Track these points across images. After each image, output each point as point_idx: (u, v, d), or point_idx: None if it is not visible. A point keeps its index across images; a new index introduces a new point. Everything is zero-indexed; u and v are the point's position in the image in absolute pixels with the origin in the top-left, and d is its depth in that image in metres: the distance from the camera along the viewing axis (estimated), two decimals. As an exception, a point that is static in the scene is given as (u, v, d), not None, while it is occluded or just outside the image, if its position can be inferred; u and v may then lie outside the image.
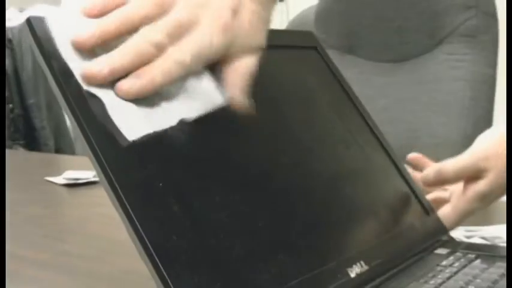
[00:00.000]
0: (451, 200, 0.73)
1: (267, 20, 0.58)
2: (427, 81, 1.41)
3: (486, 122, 1.37)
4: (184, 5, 0.50)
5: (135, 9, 0.49)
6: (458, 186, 0.74)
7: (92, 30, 0.46)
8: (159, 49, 0.48)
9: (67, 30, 0.46)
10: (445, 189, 0.76)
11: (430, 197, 0.73)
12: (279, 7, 4.42)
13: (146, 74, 0.47)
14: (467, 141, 1.36)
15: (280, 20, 4.23)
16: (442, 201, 0.74)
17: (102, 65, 0.46)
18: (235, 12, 0.53)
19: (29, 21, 0.46)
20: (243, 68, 0.55)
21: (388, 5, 1.45)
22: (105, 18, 0.48)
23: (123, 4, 0.49)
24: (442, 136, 1.36)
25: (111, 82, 0.46)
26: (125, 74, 0.47)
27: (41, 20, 0.47)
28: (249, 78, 0.55)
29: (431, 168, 0.74)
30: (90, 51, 0.46)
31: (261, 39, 0.57)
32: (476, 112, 1.35)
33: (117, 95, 0.46)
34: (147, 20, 0.49)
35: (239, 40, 0.54)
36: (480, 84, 1.36)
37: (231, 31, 0.53)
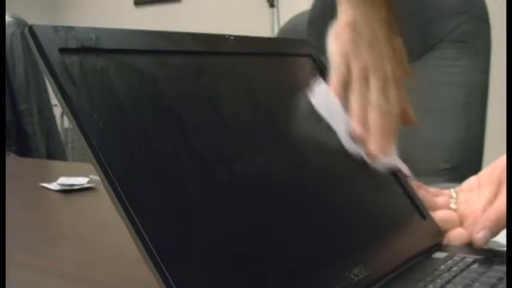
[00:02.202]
0: (467, 225, 0.72)
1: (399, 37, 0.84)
2: (419, 87, 1.41)
3: (479, 126, 1.37)
4: (373, 72, 0.78)
5: (359, 98, 0.76)
6: (469, 209, 0.74)
7: (359, 128, 0.73)
8: (384, 111, 0.75)
9: (341, 125, 0.70)
10: (452, 209, 0.76)
11: (437, 216, 0.73)
12: (269, 13, 4.41)
13: (389, 134, 0.75)
14: (460, 146, 1.38)
15: (271, 26, 4.24)
16: (450, 222, 0.73)
17: (377, 144, 0.72)
18: (394, 58, 0.80)
19: (31, 30, 0.47)
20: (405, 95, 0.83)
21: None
22: (355, 115, 0.74)
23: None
24: (435, 141, 1.36)
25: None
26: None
27: (43, 28, 0.47)
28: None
29: (482, 228, 0.69)
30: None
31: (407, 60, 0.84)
32: (469, 117, 1.36)
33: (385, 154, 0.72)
34: (367, 97, 0.76)
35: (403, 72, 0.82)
36: (473, 89, 1.37)
37: (399, 75, 0.80)
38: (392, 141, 0.74)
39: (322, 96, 0.71)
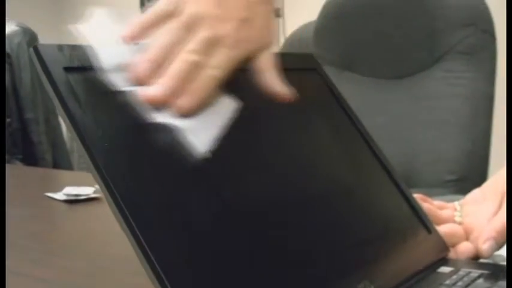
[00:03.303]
0: (473, 238, 0.72)
1: (272, 13, 0.69)
2: (426, 98, 1.42)
3: (485, 138, 1.37)
4: (207, 24, 0.60)
5: (171, 38, 0.59)
6: (474, 221, 0.74)
7: (144, 66, 0.56)
8: (197, 66, 0.57)
9: (112, 57, 0.53)
10: (457, 222, 0.76)
11: (443, 230, 0.73)
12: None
13: (194, 92, 0.56)
14: (466, 158, 1.38)
15: (276, 36, 4.25)
16: (456, 236, 0.73)
17: (160, 89, 0.55)
18: (246, 20, 0.63)
19: (35, 49, 0.47)
20: (265, 63, 0.65)
21: (386, 22, 1.46)
22: (150, 53, 0.57)
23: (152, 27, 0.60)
24: (440, 153, 1.37)
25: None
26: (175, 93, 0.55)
27: (47, 47, 0.48)
28: (274, 68, 0.65)
29: (488, 238, 0.69)
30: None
31: (271, 36, 0.67)
32: (475, 129, 1.36)
33: (176, 113, 0.55)
34: (182, 43, 0.59)
35: (254, 44, 0.64)
36: (479, 101, 1.37)
37: (245, 41, 0.62)
38: (197, 104, 0.56)
39: (100, 23, 0.57)
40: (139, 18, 0.60)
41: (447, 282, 0.61)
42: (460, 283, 0.60)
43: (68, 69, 0.47)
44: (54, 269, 0.77)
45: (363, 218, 0.64)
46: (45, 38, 3.46)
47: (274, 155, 0.60)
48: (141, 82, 0.55)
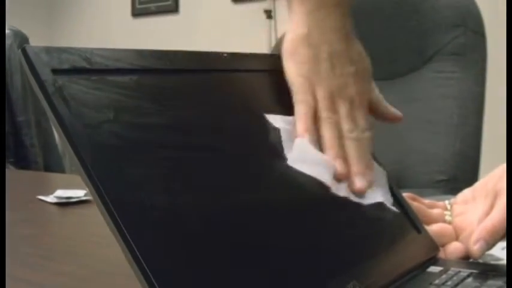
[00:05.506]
0: (463, 238, 0.72)
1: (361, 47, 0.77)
2: (416, 99, 1.42)
3: (475, 138, 1.38)
4: (339, 95, 0.70)
5: (331, 128, 0.68)
6: (464, 221, 0.74)
7: (339, 164, 0.66)
8: (359, 140, 0.69)
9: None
10: (447, 222, 0.76)
11: (432, 230, 0.73)
12: (266, 24, 4.42)
13: (369, 162, 0.70)
14: (456, 158, 1.39)
15: (268, 37, 4.25)
16: (446, 236, 0.73)
17: (364, 178, 0.67)
18: (355, 73, 0.72)
19: (24, 51, 0.47)
20: (378, 96, 0.77)
21: (377, 23, 1.46)
22: (332, 150, 0.67)
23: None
24: (430, 153, 1.37)
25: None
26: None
27: (36, 49, 0.48)
28: (382, 97, 0.78)
29: (478, 239, 0.68)
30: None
31: (370, 72, 0.76)
32: (464, 129, 1.36)
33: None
34: (339, 126, 0.69)
35: (368, 89, 0.75)
36: (468, 101, 1.37)
37: (363, 91, 0.74)
38: (372, 169, 0.69)
39: (296, 150, 0.64)
40: (303, 122, 0.67)
41: (436, 281, 0.61)
42: (449, 282, 0.60)
43: (55, 71, 0.47)
44: (46, 272, 0.77)
45: (351, 218, 0.64)
46: (36, 41, 3.45)
47: (259, 157, 0.60)
48: (346, 177, 0.66)
